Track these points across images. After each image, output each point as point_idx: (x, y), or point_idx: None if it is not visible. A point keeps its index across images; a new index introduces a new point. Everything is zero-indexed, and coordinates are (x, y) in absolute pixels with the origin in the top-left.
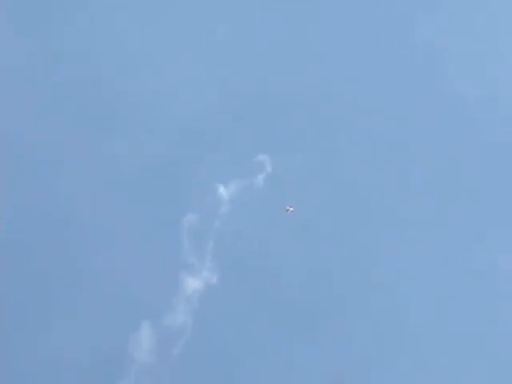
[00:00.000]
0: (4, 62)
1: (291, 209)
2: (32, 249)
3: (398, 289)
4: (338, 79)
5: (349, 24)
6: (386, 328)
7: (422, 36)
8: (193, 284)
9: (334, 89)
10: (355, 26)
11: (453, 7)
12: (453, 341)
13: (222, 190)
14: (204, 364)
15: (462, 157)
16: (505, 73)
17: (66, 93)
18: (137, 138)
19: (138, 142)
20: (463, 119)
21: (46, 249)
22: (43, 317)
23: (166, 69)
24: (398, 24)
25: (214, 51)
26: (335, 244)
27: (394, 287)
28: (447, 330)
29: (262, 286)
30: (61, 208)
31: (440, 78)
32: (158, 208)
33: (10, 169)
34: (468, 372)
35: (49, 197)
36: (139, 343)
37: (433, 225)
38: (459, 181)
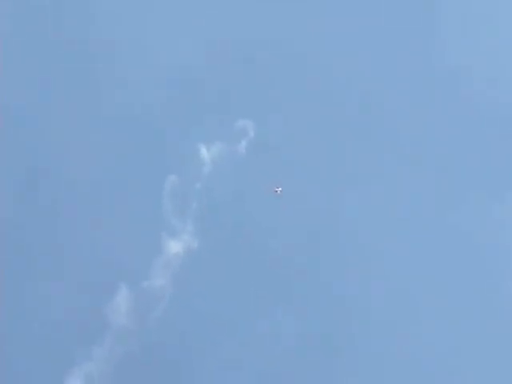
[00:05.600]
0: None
1: (279, 189)
2: (11, 210)
3: (377, 252)
4: (323, 45)
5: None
6: (360, 290)
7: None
8: (173, 247)
9: (319, 53)
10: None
11: None
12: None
13: (204, 152)
14: (182, 328)
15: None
16: None
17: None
18: (120, 99)
19: (121, 104)
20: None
21: (25, 208)
22: (21, 276)
23: (151, 33)
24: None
25: (200, 14)
26: (316, 208)
27: (373, 251)
28: (424, 289)
29: (242, 250)
30: (42, 168)
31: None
32: (140, 169)
33: None
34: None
35: (32, 156)
36: (117, 305)
37: (421, 195)
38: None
